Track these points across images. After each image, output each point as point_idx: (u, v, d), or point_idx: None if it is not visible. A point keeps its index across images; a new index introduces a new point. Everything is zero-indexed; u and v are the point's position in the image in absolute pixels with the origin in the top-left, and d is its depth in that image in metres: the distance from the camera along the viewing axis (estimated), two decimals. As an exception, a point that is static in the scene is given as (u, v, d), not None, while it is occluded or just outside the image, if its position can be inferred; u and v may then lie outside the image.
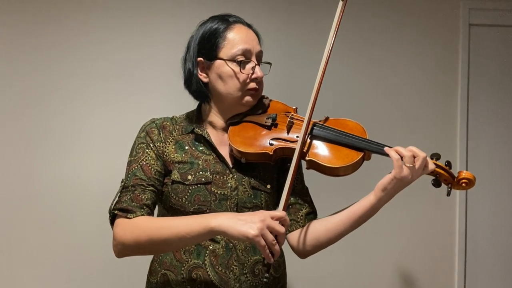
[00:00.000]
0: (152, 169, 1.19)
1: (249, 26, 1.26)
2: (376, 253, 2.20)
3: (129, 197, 1.16)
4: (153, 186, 1.19)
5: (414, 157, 1.10)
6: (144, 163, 1.19)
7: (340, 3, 1.20)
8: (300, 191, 1.32)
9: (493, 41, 2.32)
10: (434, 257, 2.24)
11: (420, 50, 2.27)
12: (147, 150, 1.21)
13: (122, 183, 1.20)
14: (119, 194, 1.18)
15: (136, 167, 1.19)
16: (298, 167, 1.29)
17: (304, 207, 1.29)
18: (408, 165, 1.09)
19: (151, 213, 1.18)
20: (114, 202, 1.17)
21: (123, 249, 1.13)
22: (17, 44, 2.10)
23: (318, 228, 1.23)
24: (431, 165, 1.12)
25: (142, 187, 1.17)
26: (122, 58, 2.13)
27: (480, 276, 2.26)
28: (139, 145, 1.22)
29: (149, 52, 2.14)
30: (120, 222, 1.14)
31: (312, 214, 1.31)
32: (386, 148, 1.13)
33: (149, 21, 2.16)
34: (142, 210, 1.14)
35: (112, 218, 1.17)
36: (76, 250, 2.07)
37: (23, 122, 2.08)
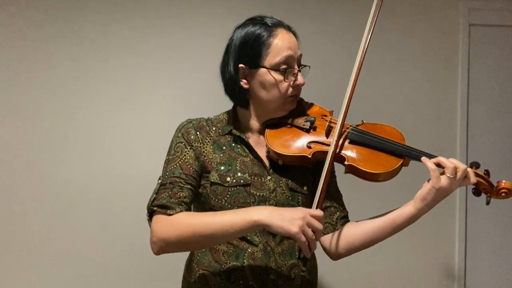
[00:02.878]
0: (191, 168, 1.20)
1: (289, 28, 1.25)
2: (375, 255, 2.19)
3: (167, 194, 1.16)
4: (191, 184, 1.19)
5: (456, 168, 1.10)
6: (183, 161, 1.20)
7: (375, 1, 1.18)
8: (335, 194, 1.32)
9: (493, 41, 2.33)
10: (434, 258, 2.24)
11: (420, 50, 2.27)
12: (185, 150, 1.22)
13: (160, 181, 1.20)
14: (156, 191, 1.18)
15: (174, 166, 1.20)
16: (332, 171, 1.31)
17: (338, 211, 1.30)
18: (449, 175, 1.09)
19: (189, 210, 1.18)
20: (152, 199, 1.17)
21: (164, 246, 1.12)
22: (34, 43, 2.10)
23: (354, 233, 1.24)
24: (473, 178, 1.12)
25: (181, 184, 1.17)
26: (136, 59, 2.13)
27: (480, 276, 2.26)
28: (177, 144, 1.23)
29: (161, 53, 2.14)
30: (160, 218, 1.14)
31: (345, 218, 1.31)
32: (423, 158, 1.13)
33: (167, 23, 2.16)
34: (180, 206, 1.15)
35: (150, 215, 1.17)
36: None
37: (36, 122, 2.08)
